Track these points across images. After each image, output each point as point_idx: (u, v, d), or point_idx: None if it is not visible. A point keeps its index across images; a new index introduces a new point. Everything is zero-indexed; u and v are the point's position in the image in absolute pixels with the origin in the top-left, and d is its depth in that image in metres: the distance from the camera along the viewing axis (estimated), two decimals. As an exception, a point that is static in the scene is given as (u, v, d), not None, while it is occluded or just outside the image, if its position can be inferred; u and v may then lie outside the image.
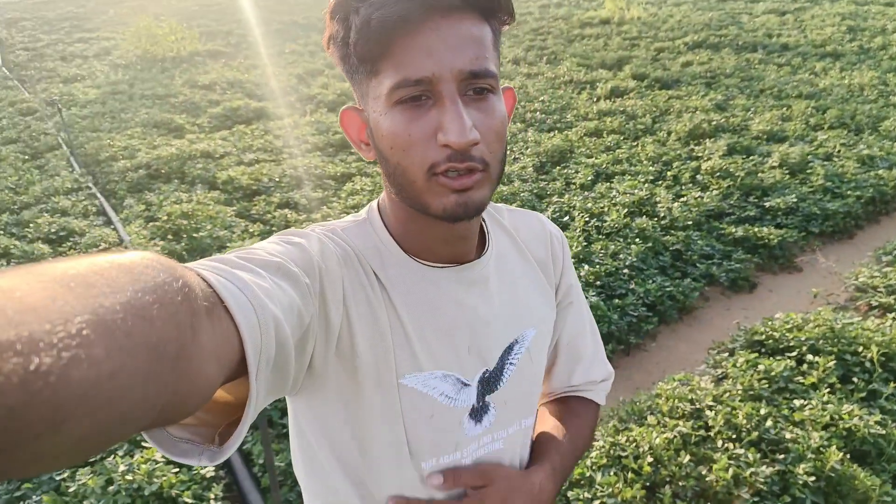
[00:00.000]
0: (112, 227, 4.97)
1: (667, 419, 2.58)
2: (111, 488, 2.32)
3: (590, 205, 4.72)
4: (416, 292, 0.72)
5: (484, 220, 0.81)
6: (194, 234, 4.43)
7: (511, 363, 0.79)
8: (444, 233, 0.71)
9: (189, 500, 2.33)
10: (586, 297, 3.47)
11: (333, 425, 0.72)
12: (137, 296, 0.32)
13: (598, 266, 3.88)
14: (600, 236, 4.32)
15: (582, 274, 3.78)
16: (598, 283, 3.76)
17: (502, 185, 5.17)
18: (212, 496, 2.37)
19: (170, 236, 4.59)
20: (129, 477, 2.35)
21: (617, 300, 3.61)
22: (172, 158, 6.28)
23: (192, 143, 6.85)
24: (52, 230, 4.83)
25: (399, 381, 0.70)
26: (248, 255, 0.55)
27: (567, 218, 4.60)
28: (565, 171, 5.60)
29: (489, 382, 0.77)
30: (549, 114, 7.44)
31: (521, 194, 4.94)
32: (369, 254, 0.72)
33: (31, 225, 4.90)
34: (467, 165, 0.61)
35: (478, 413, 0.77)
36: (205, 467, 2.44)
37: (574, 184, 5.28)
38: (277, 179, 5.65)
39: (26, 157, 6.98)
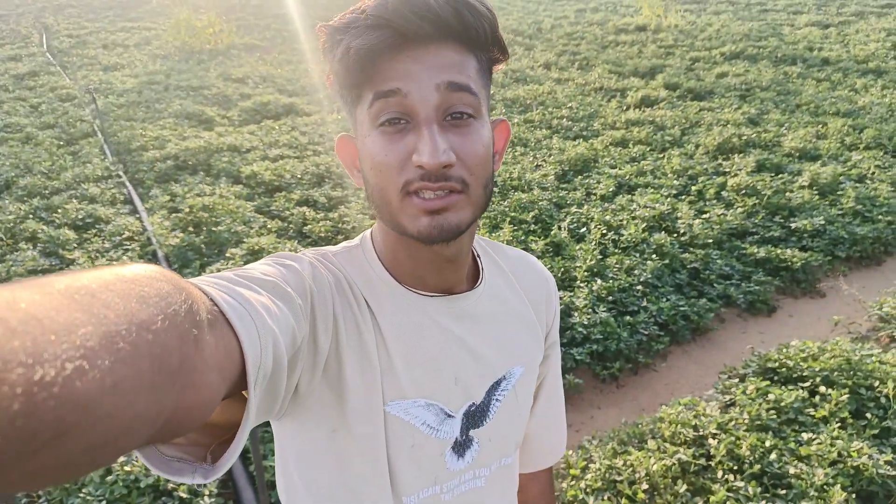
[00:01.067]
0: (137, 216, 5.07)
1: (667, 445, 2.52)
2: (109, 478, 2.36)
3: (608, 217, 4.66)
4: (404, 320, 0.72)
5: (478, 254, 0.82)
6: (213, 228, 4.49)
7: (497, 399, 0.78)
8: (429, 257, 0.71)
9: (184, 495, 2.37)
10: (596, 313, 3.46)
11: (314, 454, 0.72)
12: (141, 307, 0.33)
13: (611, 281, 3.83)
14: (616, 250, 4.26)
15: (594, 288, 3.73)
16: (611, 298, 3.71)
17: (521, 192, 5.13)
18: (206, 492, 2.40)
19: (190, 228, 4.67)
20: (127, 468, 2.39)
21: (628, 317, 3.56)
22: (200, 151, 6.39)
23: (221, 136, 6.95)
24: (80, 217, 4.96)
25: (384, 407, 0.70)
26: (244, 274, 0.56)
27: (584, 230, 4.55)
28: (587, 180, 5.53)
29: (475, 417, 0.77)
30: (576, 121, 7.36)
31: (540, 203, 4.89)
32: (360, 280, 0.73)
33: (59, 210, 5.03)
34: (441, 185, 0.62)
35: (461, 447, 0.76)
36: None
37: (595, 194, 5.22)
38: (299, 176, 5.70)
39: (61, 143, 7.17)
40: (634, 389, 3.26)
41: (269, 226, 4.68)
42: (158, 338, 0.33)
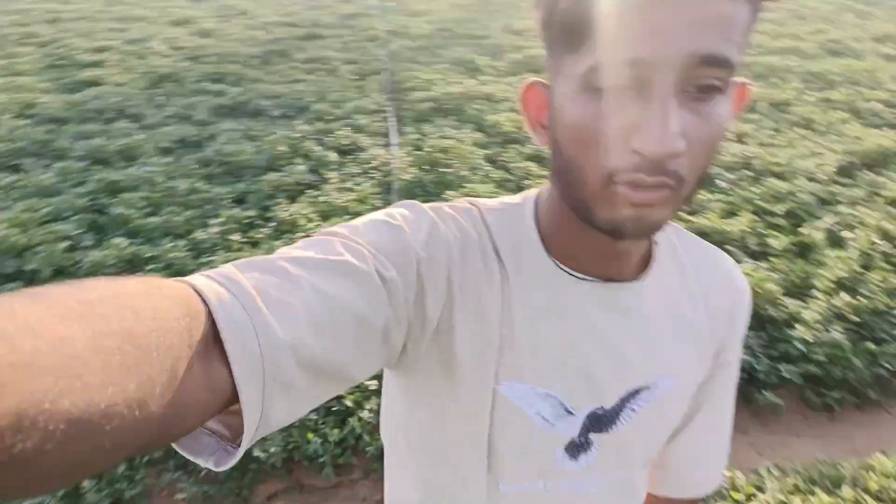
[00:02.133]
0: (388, 148, 5.64)
1: (868, 498, 2.02)
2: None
3: (889, 225, 3.74)
4: (543, 297, 0.63)
5: (656, 240, 0.69)
6: (442, 170, 4.77)
7: (632, 409, 0.67)
8: (602, 247, 0.61)
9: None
10: (828, 332, 2.87)
11: (418, 410, 0.69)
12: (136, 324, 0.33)
13: (862, 299, 3.11)
14: (885, 265, 3.42)
15: (835, 303, 3.07)
16: (855, 318, 3.02)
17: (780, 179, 4.38)
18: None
19: (426, 167, 5.03)
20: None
21: (871, 344, 2.87)
22: (458, 96, 6.76)
23: (481, 85, 7.25)
24: (345, 143, 5.70)
25: (496, 385, 0.64)
26: (301, 256, 0.50)
27: (849, 234, 3.73)
28: (879, 178, 4.48)
29: (600, 421, 0.67)
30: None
31: (800, 194, 4.13)
32: (506, 244, 0.64)
33: (332, 135, 5.84)
34: (658, 180, 0.49)
35: (576, 449, 0.68)
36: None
37: (882, 196, 4.21)
38: (540, 131, 5.68)
39: (355, 77, 8.23)
40: (851, 426, 2.65)
41: (492, 175, 4.80)
42: (150, 356, 0.33)
